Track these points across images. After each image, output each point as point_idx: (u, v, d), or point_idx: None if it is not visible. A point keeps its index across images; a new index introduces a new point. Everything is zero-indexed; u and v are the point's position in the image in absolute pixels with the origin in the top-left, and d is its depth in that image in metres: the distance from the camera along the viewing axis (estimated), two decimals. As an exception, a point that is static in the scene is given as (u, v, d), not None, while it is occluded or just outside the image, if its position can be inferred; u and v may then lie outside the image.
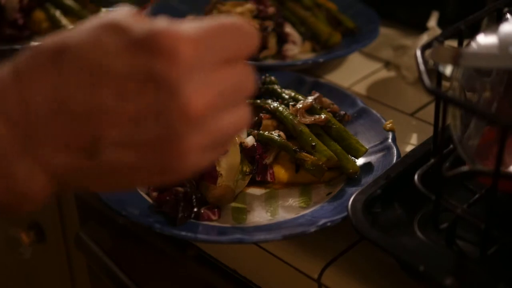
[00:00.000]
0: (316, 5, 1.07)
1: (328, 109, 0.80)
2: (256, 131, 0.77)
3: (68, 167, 0.40)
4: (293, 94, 0.83)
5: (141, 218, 0.67)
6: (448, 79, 0.59)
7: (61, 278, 1.11)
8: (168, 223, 0.67)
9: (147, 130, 0.39)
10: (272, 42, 1.00)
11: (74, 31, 0.40)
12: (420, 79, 0.55)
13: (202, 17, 0.45)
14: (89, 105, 0.39)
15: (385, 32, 1.09)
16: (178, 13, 1.08)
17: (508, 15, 0.64)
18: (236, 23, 0.42)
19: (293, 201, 0.73)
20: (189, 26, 0.40)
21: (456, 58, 0.56)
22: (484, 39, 0.57)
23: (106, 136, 0.39)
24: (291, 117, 0.78)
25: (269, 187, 0.75)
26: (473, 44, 0.57)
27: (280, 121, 0.79)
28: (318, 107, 0.79)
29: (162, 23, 0.39)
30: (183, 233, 0.66)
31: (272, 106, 0.80)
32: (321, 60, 0.96)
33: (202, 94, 0.39)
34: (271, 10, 1.02)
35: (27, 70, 0.39)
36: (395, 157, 0.73)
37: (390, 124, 0.79)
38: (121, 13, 0.40)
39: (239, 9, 0.99)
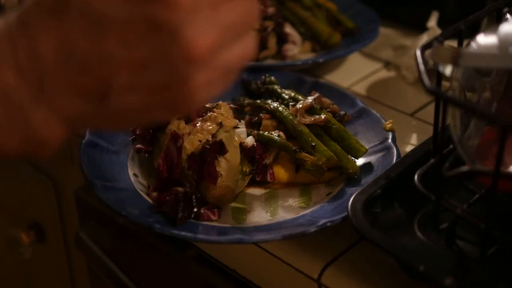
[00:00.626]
0: (316, 5, 1.07)
1: (328, 109, 0.80)
2: (256, 131, 0.77)
3: (81, 112, 0.42)
4: (293, 94, 0.83)
5: (141, 218, 0.67)
6: (448, 79, 0.59)
7: (61, 278, 1.11)
8: (168, 223, 0.67)
9: (154, 73, 0.40)
10: (272, 42, 1.00)
11: None
12: (420, 79, 0.55)
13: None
14: (94, 52, 0.40)
15: (385, 32, 1.09)
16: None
17: (508, 15, 0.64)
18: None
19: (293, 201, 0.73)
20: None
21: (456, 58, 0.56)
22: (484, 39, 0.57)
23: (114, 81, 0.40)
24: (291, 117, 0.78)
25: (269, 187, 0.75)
26: (473, 44, 0.57)
27: (280, 121, 0.79)
28: (318, 107, 0.79)
29: None
30: (183, 233, 0.66)
31: (272, 106, 0.80)
32: (321, 60, 0.96)
33: (204, 34, 0.40)
34: (271, 10, 1.02)
35: (33, 20, 0.41)
36: (395, 157, 0.73)
37: (390, 124, 0.79)
38: None
39: (239, 9, 0.99)
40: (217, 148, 0.70)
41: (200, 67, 0.41)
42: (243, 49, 0.43)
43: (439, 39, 0.60)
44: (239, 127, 0.76)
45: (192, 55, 0.40)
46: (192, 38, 0.40)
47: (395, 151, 0.75)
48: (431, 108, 0.67)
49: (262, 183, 0.75)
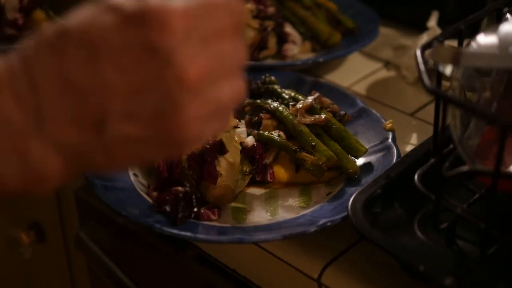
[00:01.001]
0: (316, 5, 1.07)
1: (328, 109, 0.80)
2: (256, 131, 0.77)
3: (79, 144, 0.42)
4: (293, 94, 0.83)
5: (141, 218, 0.67)
6: (448, 79, 0.59)
7: (61, 278, 1.11)
8: (168, 223, 0.67)
9: (148, 99, 0.41)
10: (272, 42, 1.00)
11: (72, 16, 0.42)
12: (420, 79, 0.55)
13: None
14: (91, 81, 0.41)
15: (385, 32, 1.09)
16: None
17: (508, 15, 0.64)
18: (223, 0, 0.44)
19: (293, 201, 0.73)
20: (179, 1, 0.42)
21: (456, 58, 0.56)
22: (484, 39, 0.57)
23: (109, 108, 0.41)
24: (291, 117, 0.78)
25: (269, 187, 0.75)
26: (473, 44, 0.57)
27: (280, 121, 0.79)
28: (318, 107, 0.79)
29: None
30: (183, 233, 0.66)
31: (272, 106, 0.80)
32: (321, 60, 0.96)
33: (197, 60, 0.41)
34: (271, 10, 1.02)
35: (33, 54, 0.42)
36: (395, 157, 0.73)
37: (390, 124, 0.79)
38: None
39: (239, 9, 0.99)
40: (217, 148, 0.70)
41: (193, 95, 0.41)
42: (235, 87, 0.44)
43: (439, 39, 0.60)
44: (239, 127, 0.76)
45: (185, 79, 0.41)
46: (185, 62, 0.41)
47: (395, 151, 0.75)
48: (431, 108, 0.67)
49: (262, 183, 0.75)
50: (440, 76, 0.59)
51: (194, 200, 0.69)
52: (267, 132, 0.77)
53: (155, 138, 0.42)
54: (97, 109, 0.41)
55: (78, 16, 0.42)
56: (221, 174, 0.70)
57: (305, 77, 0.90)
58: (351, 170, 0.74)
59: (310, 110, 0.79)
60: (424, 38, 0.97)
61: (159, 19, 0.40)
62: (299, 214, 0.70)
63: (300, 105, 0.79)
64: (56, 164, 0.43)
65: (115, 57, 0.40)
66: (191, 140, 0.43)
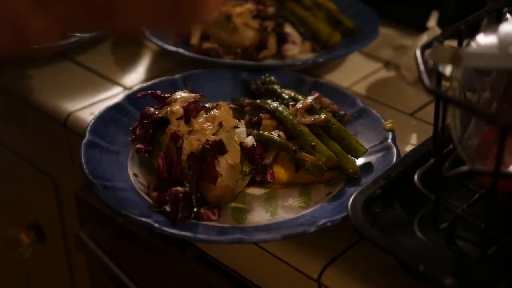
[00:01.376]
0: (316, 5, 1.07)
1: (328, 109, 0.80)
2: (256, 131, 0.77)
3: (83, 22, 0.44)
4: (293, 94, 0.83)
5: (141, 218, 0.67)
6: (448, 79, 0.59)
7: (61, 278, 1.11)
8: (168, 223, 0.67)
9: (162, 6, 0.43)
10: (272, 42, 1.00)
11: None
12: (420, 79, 0.55)
13: None
14: None
15: (385, 32, 1.09)
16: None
17: (508, 15, 0.64)
18: None
19: (293, 201, 0.73)
20: None
21: (455, 58, 0.56)
22: (484, 39, 0.57)
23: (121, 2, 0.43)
24: (291, 117, 0.78)
25: (269, 187, 0.75)
26: (473, 44, 0.57)
27: (280, 121, 0.79)
28: (318, 107, 0.79)
29: None
30: (183, 233, 0.66)
31: (272, 106, 0.80)
32: (321, 60, 0.96)
33: None
34: (270, 10, 1.02)
35: None
36: (395, 157, 0.74)
37: (390, 124, 0.79)
38: None
39: (238, 9, 0.99)
40: (217, 148, 0.70)
41: None
42: None
43: (439, 39, 0.60)
44: (239, 127, 0.76)
45: (202, 3, 0.43)
46: None
47: (395, 151, 0.75)
48: (431, 108, 0.67)
49: (262, 183, 0.75)
50: (440, 76, 0.59)
51: (194, 200, 0.69)
52: (267, 132, 0.77)
53: (166, 15, 0.45)
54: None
55: None
56: (221, 174, 0.70)
57: (305, 77, 0.90)
58: (351, 170, 0.74)
59: (310, 110, 0.79)
60: (424, 38, 0.97)
61: None
62: (299, 214, 0.70)
63: (300, 105, 0.79)
64: (55, 34, 0.44)
65: None
66: (202, 14, 0.47)
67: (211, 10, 0.45)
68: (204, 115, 0.74)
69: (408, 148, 0.82)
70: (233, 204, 0.73)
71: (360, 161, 0.76)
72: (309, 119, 0.77)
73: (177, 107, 0.73)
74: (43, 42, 0.44)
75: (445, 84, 0.61)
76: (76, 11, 0.43)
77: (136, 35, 0.54)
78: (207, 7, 0.44)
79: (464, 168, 0.56)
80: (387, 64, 1.02)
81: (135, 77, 0.98)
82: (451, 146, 0.61)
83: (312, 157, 0.74)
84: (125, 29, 0.46)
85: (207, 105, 0.76)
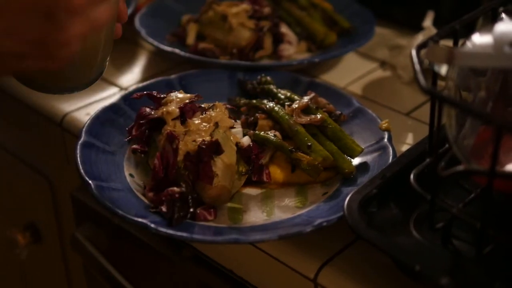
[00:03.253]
0: (312, 5, 1.07)
1: (323, 109, 0.80)
2: (252, 131, 0.77)
3: None
4: (289, 94, 0.83)
5: (137, 218, 0.66)
6: (444, 78, 0.59)
7: (57, 279, 1.11)
8: (164, 224, 0.67)
9: (35, 23, 0.45)
10: (268, 42, 1.00)
11: None
12: (415, 78, 0.55)
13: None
14: None
15: (381, 32, 1.09)
16: (173, 13, 1.08)
17: (503, 15, 0.65)
18: None
19: (289, 201, 0.73)
20: None
21: (451, 58, 0.56)
22: (479, 39, 0.57)
23: None
24: (287, 117, 0.78)
25: (265, 187, 0.75)
26: (468, 44, 0.57)
27: (276, 121, 0.79)
28: (314, 107, 0.79)
29: None
30: (179, 233, 0.66)
31: (268, 106, 0.80)
32: (316, 60, 0.96)
33: (82, 28, 0.46)
34: (266, 10, 1.02)
35: None
36: (391, 156, 0.74)
37: (386, 124, 0.79)
38: None
39: (234, 9, 0.99)
40: (213, 148, 0.70)
41: (77, 18, 0.46)
42: (108, 7, 0.50)
43: (435, 39, 0.60)
44: (235, 127, 0.76)
45: (73, 7, 0.45)
46: (70, 33, 0.45)
47: (391, 151, 0.75)
48: (427, 107, 0.67)
49: (258, 183, 0.75)
50: (435, 76, 0.59)
51: (190, 200, 0.69)
52: (263, 132, 0.77)
53: (37, 55, 0.47)
54: None
55: None
56: (217, 174, 0.70)
57: (301, 77, 0.90)
58: (347, 170, 0.74)
59: (306, 110, 0.79)
60: (420, 38, 0.97)
61: None
62: (295, 214, 0.70)
63: (296, 105, 0.79)
64: None
65: None
66: (71, 54, 0.48)
67: (72, 46, 0.48)
68: (200, 116, 0.74)
69: (404, 147, 0.82)
70: (229, 204, 0.73)
71: (356, 161, 0.76)
72: (305, 119, 0.77)
73: (173, 107, 0.73)
74: None
75: (441, 83, 0.62)
76: None
77: None
78: (68, 44, 0.47)
79: (460, 167, 0.56)
80: (383, 64, 1.02)
81: (131, 77, 0.98)
82: (446, 145, 0.62)
83: (308, 157, 0.74)
84: None
85: (203, 106, 0.76)
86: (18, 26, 0.45)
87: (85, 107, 0.90)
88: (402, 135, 0.85)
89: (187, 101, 0.74)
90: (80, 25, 0.47)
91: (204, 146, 0.70)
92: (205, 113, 0.74)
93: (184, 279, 0.81)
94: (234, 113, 0.82)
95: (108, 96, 0.93)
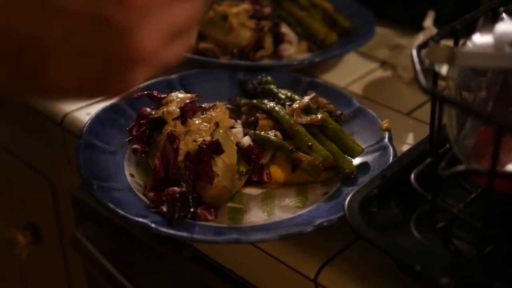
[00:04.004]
0: (312, 5, 1.07)
1: (324, 109, 0.80)
2: (252, 131, 0.77)
3: (10, 81, 0.42)
4: (289, 94, 0.83)
5: (138, 218, 0.66)
6: (444, 78, 0.59)
7: (58, 279, 1.11)
8: (165, 223, 0.67)
9: (92, 67, 0.41)
10: (268, 42, 1.00)
11: None
12: (416, 78, 0.55)
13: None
14: (34, 32, 0.40)
15: (381, 32, 1.09)
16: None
17: (504, 15, 0.65)
18: None
19: (290, 201, 0.73)
20: None
21: (451, 58, 0.56)
22: (480, 39, 0.57)
23: (48, 63, 0.40)
24: (287, 117, 0.78)
25: (265, 187, 0.75)
26: (469, 44, 0.57)
27: (276, 121, 0.79)
28: (315, 107, 0.79)
29: None
30: (180, 233, 0.66)
31: (268, 106, 0.80)
32: (317, 60, 0.96)
33: (151, 38, 0.41)
34: (267, 10, 1.02)
35: None
36: (391, 156, 0.74)
37: (387, 124, 0.79)
38: None
39: (235, 9, 0.99)
40: (214, 148, 0.70)
41: (140, 66, 0.41)
42: (182, 47, 0.45)
43: (435, 39, 0.60)
44: (235, 127, 0.76)
45: (136, 56, 0.40)
46: (140, 42, 0.40)
47: (391, 151, 0.75)
48: (427, 107, 0.67)
49: (258, 183, 0.75)
50: (436, 76, 0.59)
51: (190, 200, 0.69)
52: (263, 132, 0.77)
53: (92, 89, 0.43)
54: (35, 59, 0.40)
55: None
56: (217, 174, 0.70)
57: (301, 77, 0.90)
58: (347, 170, 0.74)
59: (306, 110, 0.79)
60: (420, 38, 0.97)
61: None
62: (295, 214, 0.70)
63: (297, 105, 0.79)
64: None
65: (65, 18, 0.39)
66: (127, 91, 0.44)
67: (149, 61, 0.42)
68: (201, 116, 0.74)
69: (405, 147, 0.82)
70: (229, 204, 0.73)
71: (356, 161, 0.76)
72: (305, 119, 0.77)
73: (174, 107, 0.73)
74: None
75: (441, 83, 0.62)
76: (7, 72, 0.41)
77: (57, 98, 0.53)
78: (142, 58, 0.42)
79: (460, 167, 0.56)
80: (384, 64, 1.02)
81: (132, 77, 0.97)
82: (447, 145, 0.61)
83: (308, 157, 0.74)
84: (48, 93, 0.45)
85: (203, 106, 0.76)
86: (75, 66, 0.41)
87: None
88: (403, 135, 0.85)
89: (187, 101, 0.74)
90: (143, 70, 0.42)
91: (204, 146, 0.70)
92: (206, 113, 0.74)
93: (184, 279, 0.81)
94: (235, 113, 0.82)
95: (109, 96, 0.92)
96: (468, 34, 0.59)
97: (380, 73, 1.00)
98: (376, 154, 0.76)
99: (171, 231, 0.65)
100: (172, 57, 0.44)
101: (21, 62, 0.41)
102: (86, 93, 0.44)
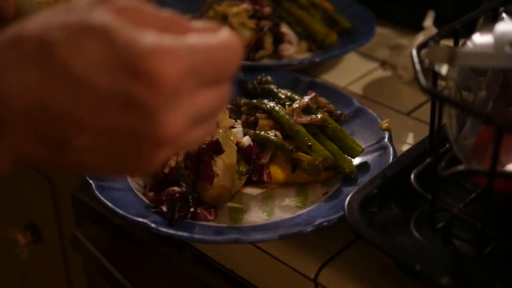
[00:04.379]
0: (312, 5, 1.07)
1: (324, 109, 0.80)
2: (252, 131, 0.77)
3: (36, 156, 0.42)
4: (289, 94, 0.83)
5: (138, 218, 0.66)
6: (444, 78, 0.59)
7: (58, 279, 1.11)
8: (165, 223, 0.67)
9: (117, 145, 0.41)
10: (268, 42, 1.00)
11: (57, 22, 0.40)
12: (416, 78, 0.55)
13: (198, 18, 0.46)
14: (64, 110, 0.40)
15: (381, 31, 1.09)
16: (174, 13, 1.08)
17: (504, 15, 0.64)
18: (226, 42, 0.42)
19: (290, 201, 0.73)
20: (180, 44, 0.40)
21: (451, 58, 0.56)
22: (480, 39, 0.57)
23: (76, 140, 0.40)
24: (287, 117, 0.78)
25: (265, 187, 0.75)
26: (469, 44, 0.57)
27: (276, 121, 0.79)
28: (314, 107, 0.79)
29: (151, 38, 0.39)
30: (180, 233, 0.66)
31: (268, 106, 0.80)
32: (317, 60, 0.96)
33: (177, 121, 0.40)
34: (267, 10, 1.02)
35: (9, 64, 0.39)
36: (391, 156, 0.74)
37: (386, 124, 0.79)
38: (104, 11, 0.40)
39: (235, 9, 0.99)
40: (214, 148, 0.70)
41: (164, 147, 0.41)
42: (205, 132, 0.45)
43: (435, 39, 0.60)
44: (235, 127, 0.76)
45: (161, 139, 0.40)
46: (165, 124, 0.40)
47: (391, 151, 0.75)
48: (427, 107, 0.67)
49: (258, 183, 0.75)
50: (436, 76, 0.59)
51: (190, 200, 0.69)
52: (263, 132, 0.77)
53: (115, 170, 0.44)
54: (63, 136, 0.40)
55: (64, 30, 0.39)
56: (217, 174, 0.70)
57: (301, 77, 0.90)
58: (347, 170, 0.74)
59: (306, 110, 0.79)
60: (420, 37, 0.97)
61: (152, 73, 0.39)
62: (295, 214, 0.70)
63: (297, 105, 0.79)
64: (6, 163, 0.42)
65: (95, 97, 0.39)
66: (151, 173, 0.44)
67: (171, 145, 0.42)
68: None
69: (405, 147, 0.82)
70: (229, 204, 0.73)
71: (356, 161, 0.76)
72: (305, 119, 0.77)
73: (174, 107, 0.73)
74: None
75: (441, 83, 0.62)
76: (30, 142, 0.41)
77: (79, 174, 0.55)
78: (166, 141, 0.42)
79: (460, 167, 0.56)
80: (384, 64, 1.02)
81: (132, 77, 0.97)
82: (447, 145, 0.61)
83: (308, 157, 0.74)
84: (71, 169, 0.45)
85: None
86: (100, 145, 0.41)
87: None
88: (403, 135, 0.85)
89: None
90: (167, 152, 0.42)
91: (204, 146, 0.70)
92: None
93: (185, 279, 0.81)
94: (235, 113, 0.82)
95: (109, 96, 0.92)
96: (468, 34, 0.59)
97: (380, 73, 1.00)
98: (376, 154, 0.76)
99: (171, 231, 0.65)
100: (195, 141, 0.44)
101: (49, 138, 0.41)
102: (110, 171, 0.44)
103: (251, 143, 0.75)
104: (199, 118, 0.42)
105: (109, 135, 0.40)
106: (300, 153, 0.74)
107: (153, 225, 0.66)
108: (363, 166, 0.75)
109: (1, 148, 0.41)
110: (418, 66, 0.56)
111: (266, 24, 1.00)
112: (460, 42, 0.62)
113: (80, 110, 0.39)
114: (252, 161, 0.74)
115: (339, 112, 0.82)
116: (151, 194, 0.71)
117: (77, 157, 0.41)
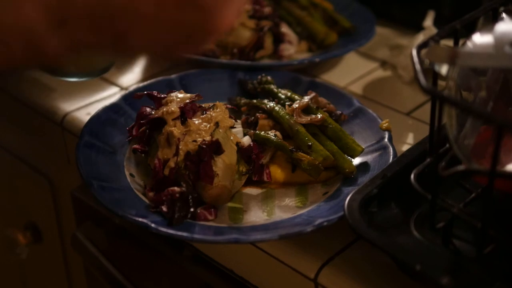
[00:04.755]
0: (312, 5, 1.07)
1: (324, 109, 0.80)
2: (252, 131, 0.77)
3: (94, 44, 0.48)
4: (289, 94, 0.83)
5: (138, 218, 0.66)
6: (444, 78, 0.59)
7: (58, 279, 1.11)
8: (165, 223, 0.67)
9: (175, 34, 0.49)
10: (268, 42, 0.99)
11: None
12: (416, 78, 0.55)
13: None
14: (128, 5, 0.46)
15: (381, 31, 1.09)
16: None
17: (504, 15, 0.65)
18: None
19: (290, 201, 0.73)
20: None
21: (452, 58, 0.56)
22: (480, 39, 0.57)
23: (135, 30, 0.47)
24: (287, 117, 0.78)
25: (265, 187, 0.75)
26: (469, 44, 0.57)
27: (276, 121, 0.79)
28: (314, 107, 0.79)
29: None
30: (180, 233, 0.66)
31: (268, 106, 0.80)
32: (317, 59, 0.96)
33: (228, 18, 0.49)
34: (267, 10, 1.02)
35: None
36: (391, 156, 0.74)
37: (386, 124, 0.79)
38: None
39: (235, 9, 0.99)
40: (214, 148, 0.70)
41: (226, 7, 0.49)
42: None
43: (435, 39, 0.60)
44: (235, 127, 0.76)
45: (215, 31, 0.49)
46: (221, 20, 0.48)
47: (391, 151, 0.75)
48: (427, 107, 0.67)
49: (258, 183, 0.75)
50: (436, 76, 0.59)
51: (190, 200, 0.69)
52: (263, 132, 0.77)
53: (167, 53, 0.52)
54: (122, 29, 0.46)
55: None
56: (217, 174, 0.70)
57: (301, 77, 0.90)
58: (347, 170, 0.74)
59: (306, 110, 0.79)
60: (420, 37, 0.97)
61: None
62: (295, 214, 0.70)
63: (297, 105, 0.79)
64: (68, 50, 0.47)
65: None
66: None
67: (221, 33, 0.51)
68: (201, 115, 0.74)
69: (405, 147, 0.82)
70: (229, 204, 0.73)
71: (356, 161, 0.76)
72: (305, 118, 0.77)
73: (174, 107, 0.73)
74: (56, 59, 0.48)
75: (441, 83, 0.62)
76: (90, 34, 0.46)
77: (150, 56, 0.66)
78: (218, 31, 0.50)
79: (461, 167, 0.56)
80: (384, 64, 1.02)
81: (132, 77, 0.98)
82: (447, 145, 0.61)
83: (308, 157, 0.74)
84: (137, 53, 0.52)
85: (203, 105, 0.76)
86: (157, 34, 0.48)
87: (85, 107, 0.90)
88: (403, 135, 0.85)
89: (187, 101, 0.74)
90: (229, 13, 0.50)
91: (204, 146, 0.70)
92: (206, 113, 0.74)
93: (185, 279, 0.81)
94: (235, 113, 0.82)
95: (109, 95, 0.93)
96: (468, 34, 0.59)
97: (380, 73, 1.00)
98: (376, 154, 0.76)
99: (171, 231, 0.65)
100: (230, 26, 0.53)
101: (113, 29, 0.46)
102: (161, 54, 0.52)
103: (251, 143, 0.75)
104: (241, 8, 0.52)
105: (168, 28, 0.48)
106: (300, 153, 0.74)
107: (153, 225, 0.66)
108: (363, 166, 0.75)
109: (60, 37, 0.46)
110: (418, 66, 0.56)
111: (266, 24, 1.00)
112: (460, 42, 0.62)
113: (146, 5, 0.46)
114: (252, 161, 0.74)
115: (339, 112, 0.82)
116: (151, 194, 0.71)
117: (136, 43, 0.48)
